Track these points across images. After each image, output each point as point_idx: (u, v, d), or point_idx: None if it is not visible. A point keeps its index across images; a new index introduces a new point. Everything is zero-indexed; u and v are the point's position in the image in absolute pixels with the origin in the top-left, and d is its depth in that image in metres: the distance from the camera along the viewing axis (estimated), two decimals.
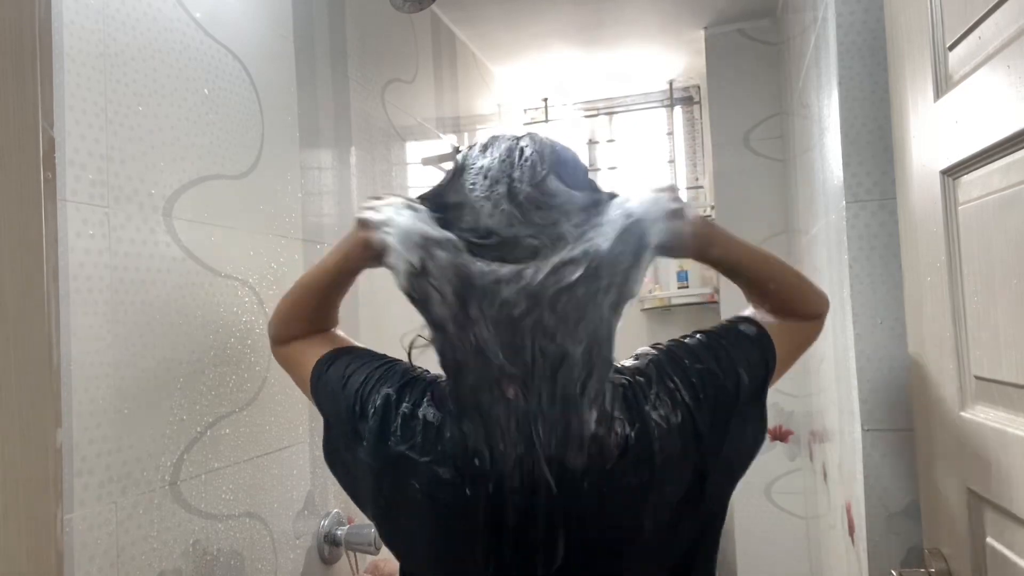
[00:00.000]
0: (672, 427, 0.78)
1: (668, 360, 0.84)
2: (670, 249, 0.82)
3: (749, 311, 0.95)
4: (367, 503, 0.87)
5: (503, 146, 0.84)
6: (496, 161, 0.83)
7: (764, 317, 0.92)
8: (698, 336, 0.88)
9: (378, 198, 0.86)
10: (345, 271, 0.92)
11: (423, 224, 0.80)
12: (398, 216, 0.82)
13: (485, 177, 0.82)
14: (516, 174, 0.81)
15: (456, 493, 0.78)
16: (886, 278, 1.21)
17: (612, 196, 0.83)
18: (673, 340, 0.88)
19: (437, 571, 0.85)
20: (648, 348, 0.87)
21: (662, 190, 0.82)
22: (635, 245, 0.78)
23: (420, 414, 0.81)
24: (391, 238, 0.80)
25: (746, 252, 0.93)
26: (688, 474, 0.79)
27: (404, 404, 0.82)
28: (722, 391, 0.82)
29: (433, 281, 0.77)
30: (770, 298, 0.92)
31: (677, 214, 0.81)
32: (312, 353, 0.94)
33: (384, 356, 0.92)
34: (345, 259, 0.90)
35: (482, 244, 0.78)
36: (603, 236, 0.77)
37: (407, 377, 0.86)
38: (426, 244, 0.78)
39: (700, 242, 0.85)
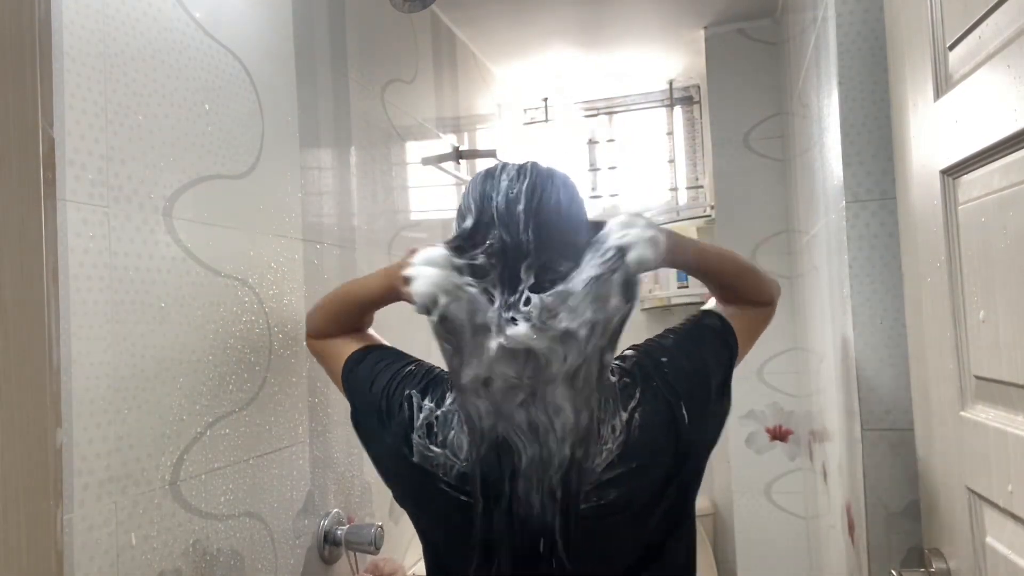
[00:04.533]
0: (657, 422, 0.91)
1: (649, 363, 0.96)
2: (648, 268, 0.92)
3: (711, 304, 1.10)
4: (390, 484, 1.02)
5: (512, 173, 0.94)
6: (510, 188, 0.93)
7: (725, 308, 1.07)
8: (671, 336, 1.01)
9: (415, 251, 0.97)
10: (388, 298, 1.07)
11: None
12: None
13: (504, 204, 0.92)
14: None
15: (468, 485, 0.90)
16: (886, 278, 1.21)
17: (598, 226, 0.94)
18: (649, 341, 1.01)
19: (454, 544, 0.96)
20: (629, 351, 0.99)
21: (633, 217, 0.93)
22: (621, 278, 0.89)
23: (441, 413, 0.94)
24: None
25: (710, 255, 1.08)
26: (670, 458, 0.92)
27: (426, 403, 0.95)
28: (696, 385, 0.96)
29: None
30: (730, 291, 1.08)
31: (654, 240, 0.91)
32: (345, 349, 1.10)
33: (410, 357, 1.06)
34: (389, 289, 1.04)
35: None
36: (592, 268, 0.88)
37: (430, 377, 0.99)
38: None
39: (671, 255, 0.97)
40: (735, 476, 2.40)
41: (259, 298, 1.27)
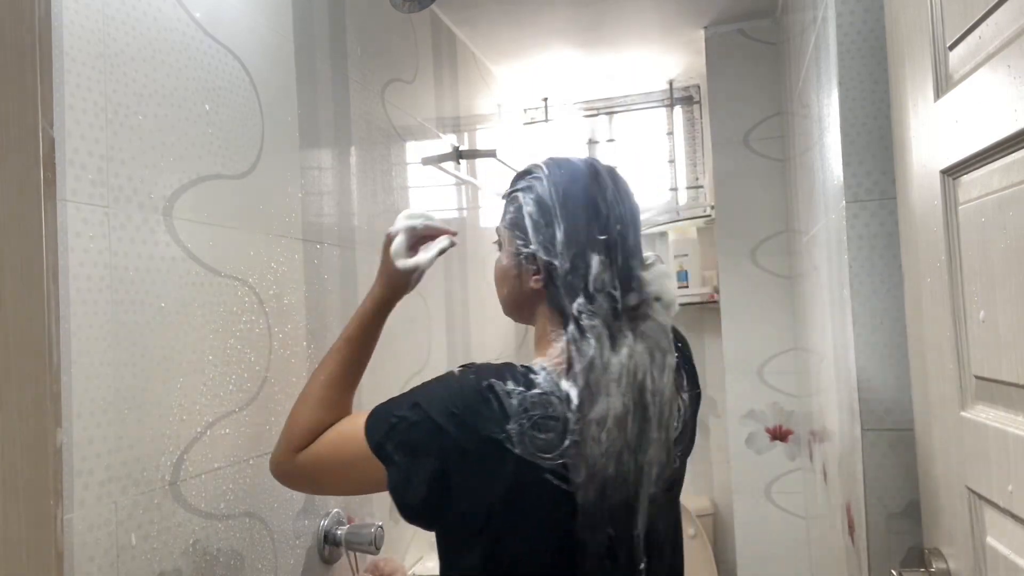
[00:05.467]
0: (693, 397, 1.01)
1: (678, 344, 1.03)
2: None
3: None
4: (492, 516, 0.88)
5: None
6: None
7: None
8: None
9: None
10: (384, 302, 1.15)
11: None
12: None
13: None
14: None
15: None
16: (886, 278, 1.21)
17: None
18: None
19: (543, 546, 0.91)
20: None
21: None
22: None
23: (533, 394, 0.88)
24: None
25: None
26: (693, 432, 1.03)
27: (510, 385, 0.88)
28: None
29: None
30: None
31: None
32: (351, 425, 0.97)
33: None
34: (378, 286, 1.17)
35: None
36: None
37: (495, 368, 0.93)
38: None
39: None
40: (735, 476, 2.40)
41: (259, 298, 1.27)
